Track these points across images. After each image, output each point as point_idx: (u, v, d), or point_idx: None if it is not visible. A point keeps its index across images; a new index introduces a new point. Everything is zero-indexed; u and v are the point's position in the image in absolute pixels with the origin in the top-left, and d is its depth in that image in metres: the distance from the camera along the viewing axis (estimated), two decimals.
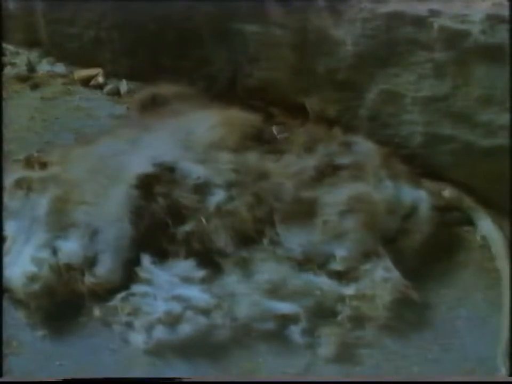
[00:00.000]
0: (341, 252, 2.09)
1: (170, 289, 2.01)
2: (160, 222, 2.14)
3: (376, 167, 2.23)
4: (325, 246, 2.12)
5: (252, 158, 2.27)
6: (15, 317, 2.00)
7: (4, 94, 2.65)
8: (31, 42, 2.98)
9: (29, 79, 2.87)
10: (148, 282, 2.04)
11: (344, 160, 2.25)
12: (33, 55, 2.96)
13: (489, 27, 2.09)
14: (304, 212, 2.16)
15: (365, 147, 2.30)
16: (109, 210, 2.14)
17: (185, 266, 2.06)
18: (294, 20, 2.41)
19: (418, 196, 2.21)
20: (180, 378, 1.81)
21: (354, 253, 2.09)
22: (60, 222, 2.13)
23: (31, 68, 2.92)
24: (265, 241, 2.14)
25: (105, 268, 2.07)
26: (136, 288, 2.03)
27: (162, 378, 1.83)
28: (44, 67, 2.93)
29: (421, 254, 2.13)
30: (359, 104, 2.38)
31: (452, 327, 2.00)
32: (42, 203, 2.15)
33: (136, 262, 2.08)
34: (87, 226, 2.11)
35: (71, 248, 2.08)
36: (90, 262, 2.07)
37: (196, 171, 2.21)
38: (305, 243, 2.12)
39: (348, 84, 2.38)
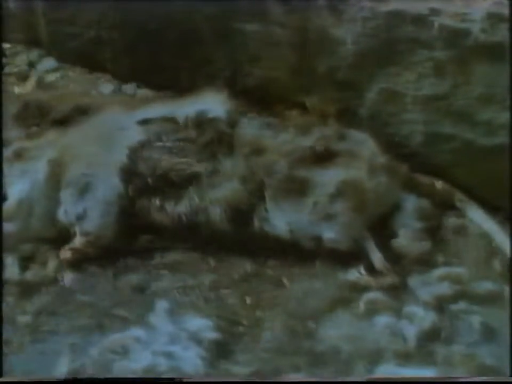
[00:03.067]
0: (328, 233, 2.11)
1: (167, 343, 1.94)
2: (151, 185, 2.20)
3: (371, 157, 2.24)
4: (312, 227, 2.14)
5: (248, 130, 2.30)
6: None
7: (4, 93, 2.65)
8: (31, 42, 2.98)
9: (30, 78, 2.87)
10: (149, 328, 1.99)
11: (339, 146, 2.26)
12: (33, 54, 2.96)
13: (489, 26, 2.09)
14: (295, 190, 2.17)
15: (360, 137, 2.30)
16: (101, 169, 2.21)
17: (200, 323, 2.00)
18: (294, 19, 2.41)
19: (407, 196, 2.24)
20: (180, 378, 1.81)
21: (342, 236, 2.11)
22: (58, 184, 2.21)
23: (31, 68, 2.92)
24: (255, 217, 2.16)
25: (95, 222, 2.14)
26: (133, 331, 1.98)
27: (162, 378, 1.83)
28: (44, 66, 2.93)
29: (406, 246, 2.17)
30: (360, 103, 2.38)
31: None
32: (40, 167, 2.22)
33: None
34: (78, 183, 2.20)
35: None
36: (80, 219, 2.16)
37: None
38: (293, 222, 2.14)
39: (348, 83, 2.38)
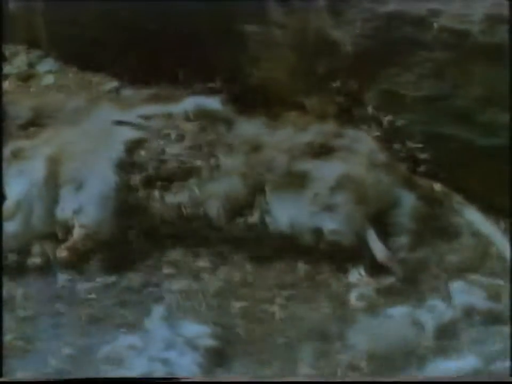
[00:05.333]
0: (329, 225, 2.12)
1: (163, 348, 1.93)
2: (148, 181, 2.21)
3: (370, 154, 2.25)
4: (313, 218, 2.14)
5: (247, 128, 2.32)
6: None
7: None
8: (31, 43, 2.98)
9: (29, 78, 2.87)
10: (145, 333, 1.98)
11: (337, 142, 2.28)
12: (33, 55, 2.96)
13: (488, 27, 2.10)
14: (295, 184, 2.19)
15: (359, 136, 2.32)
16: (97, 165, 2.22)
17: (197, 329, 1.99)
18: (294, 20, 2.41)
19: (406, 193, 2.24)
20: (178, 378, 1.81)
21: (343, 228, 2.12)
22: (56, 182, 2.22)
23: (31, 68, 2.92)
24: (256, 212, 2.17)
25: (92, 217, 2.15)
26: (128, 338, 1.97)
27: (161, 378, 1.83)
28: (44, 67, 2.93)
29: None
30: (359, 104, 2.38)
31: None
32: (38, 166, 2.23)
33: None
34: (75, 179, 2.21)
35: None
36: (77, 214, 2.16)
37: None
38: (294, 215, 2.15)
39: (348, 84, 2.38)
